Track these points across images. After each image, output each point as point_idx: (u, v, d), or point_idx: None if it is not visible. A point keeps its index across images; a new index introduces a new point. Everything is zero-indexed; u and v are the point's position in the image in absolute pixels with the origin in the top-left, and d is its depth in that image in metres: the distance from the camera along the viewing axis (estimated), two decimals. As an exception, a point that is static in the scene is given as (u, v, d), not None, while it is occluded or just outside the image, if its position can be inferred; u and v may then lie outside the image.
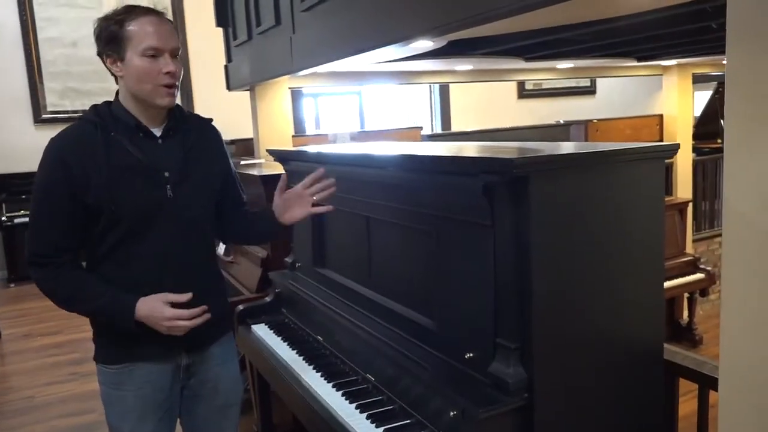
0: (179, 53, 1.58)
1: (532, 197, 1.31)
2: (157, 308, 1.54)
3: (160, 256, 1.59)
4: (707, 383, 1.67)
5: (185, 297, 1.55)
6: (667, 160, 4.32)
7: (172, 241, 1.60)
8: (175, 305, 1.55)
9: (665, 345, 1.64)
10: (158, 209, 1.58)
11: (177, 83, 1.58)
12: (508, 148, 1.74)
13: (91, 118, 1.58)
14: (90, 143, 1.54)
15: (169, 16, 7.66)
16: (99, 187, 1.52)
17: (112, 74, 1.59)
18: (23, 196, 6.14)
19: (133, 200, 1.55)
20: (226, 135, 1.86)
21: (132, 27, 1.51)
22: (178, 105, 1.71)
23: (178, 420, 1.78)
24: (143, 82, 1.54)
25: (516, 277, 1.37)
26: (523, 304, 1.37)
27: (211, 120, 1.80)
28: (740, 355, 1.04)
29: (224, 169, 1.77)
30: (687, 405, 1.88)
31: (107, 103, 1.62)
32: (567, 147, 1.61)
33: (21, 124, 6.68)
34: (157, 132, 1.62)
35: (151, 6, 1.62)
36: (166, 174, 1.59)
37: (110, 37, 1.53)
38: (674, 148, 1.54)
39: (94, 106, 1.62)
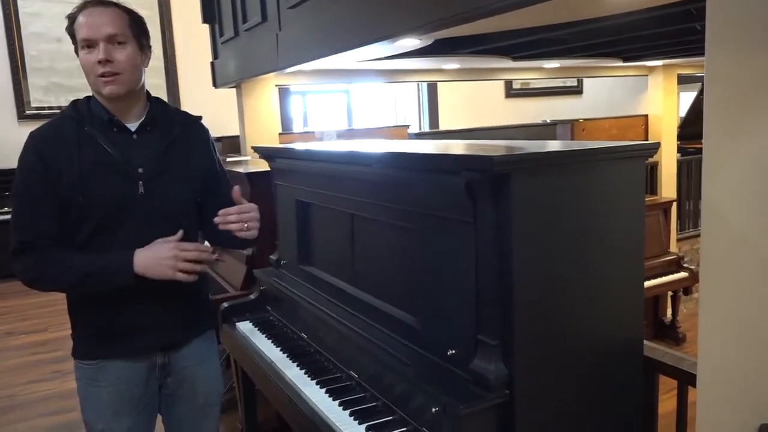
0: (121, 39, 1.54)
1: (513, 195, 1.32)
2: (158, 248, 1.54)
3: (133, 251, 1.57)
4: (686, 380, 1.69)
5: (178, 235, 1.58)
6: (651, 160, 4.32)
7: (146, 237, 1.58)
8: None
9: (645, 342, 1.66)
10: (129, 205, 1.57)
11: (117, 71, 1.54)
12: (492, 147, 1.75)
13: (69, 113, 1.60)
14: (65, 138, 1.55)
15: (156, 12, 7.54)
16: (70, 181, 1.53)
17: None
18: (6, 193, 6.07)
19: (103, 195, 1.55)
20: (213, 132, 1.86)
21: (76, 23, 1.55)
22: (159, 100, 1.71)
23: (160, 417, 1.78)
24: (86, 75, 1.57)
25: (497, 273, 1.38)
26: (504, 300, 1.38)
27: (199, 118, 1.79)
28: (718, 352, 1.06)
29: (207, 166, 1.76)
30: (669, 403, 1.90)
31: (88, 98, 1.63)
32: (549, 145, 1.61)
33: (4, 120, 6.61)
34: (132, 127, 1.62)
35: None
36: (140, 170, 1.58)
37: (69, 35, 1.58)
38: (654, 147, 1.56)
39: (74, 101, 1.63)
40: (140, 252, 1.54)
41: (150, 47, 1.67)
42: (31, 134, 1.58)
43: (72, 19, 1.55)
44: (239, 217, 1.61)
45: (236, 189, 1.63)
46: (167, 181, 1.62)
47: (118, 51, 1.54)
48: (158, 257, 1.53)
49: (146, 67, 1.65)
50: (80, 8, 1.55)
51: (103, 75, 1.53)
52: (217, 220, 1.60)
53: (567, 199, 1.42)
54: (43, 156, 1.54)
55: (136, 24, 1.60)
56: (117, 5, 1.58)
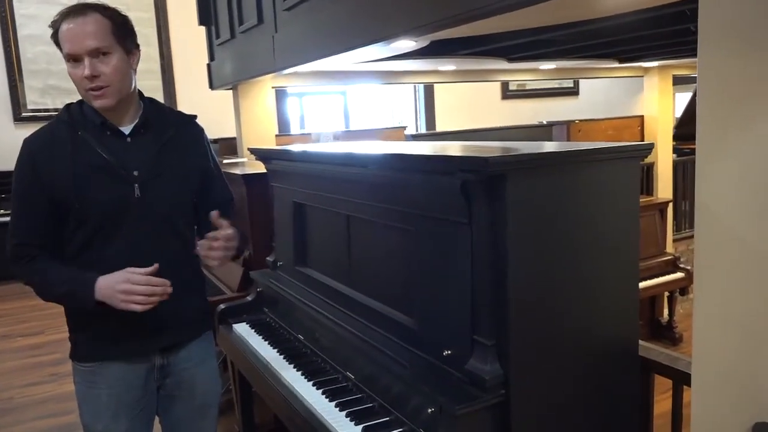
0: (105, 50, 1.51)
1: (508, 195, 1.32)
2: (117, 277, 1.49)
3: (130, 255, 1.57)
4: (681, 379, 1.70)
5: (150, 269, 1.50)
6: (647, 160, 4.30)
7: (143, 239, 1.59)
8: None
9: (640, 342, 1.66)
10: (125, 208, 1.57)
11: (104, 84, 1.52)
12: (487, 148, 1.76)
13: (62, 117, 1.60)
14: (59, 143, 1.55)
15: (152, 14, 7.46)
16: (65, 186, 1.52)
17: None
18: (3, 195, 6.05)
19: (99, 199, 1.55)
20: (210, 134, 1.85)
21: (59, 33, 1.52)
22: (153, 100, 1.71)
23: (157, 419, 1.78)
24: (76, 87, 1.55)
25: (492, 274, 1.38)
26: (499, 301, 1.38)
27: (194, 117, 1.79)
28: (712, 352, 1.06)
29: (202, 166, 1.76)
30: (665, 403, 1.90)
31: (80, 101, 1.62)
32: (544, 146, 1.62)
33: (0, 122, 6.58)
34: (126, 130, 1.61)
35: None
36: (135, 173, 1.58)
37: (56, 44, 1.55)
38: (649, 148, 1.56)
39: (68, 106, 1.63)
40: (102, 279, 1.50)
41: (138, 46, 1.62)
42: (25, 141, 1.58)
43: (55, 28, 1.52)
44: (225, 245, 1.59)
45: (214, 213, 1.60)
46: (163, 183, 1.62)
47: (103, 64, 1.51)
48: (113, 289, 1.49)
49: (136, 66, 1.62)
50: (62, 17, 1.52)
51: (91, 89, 1.52)
52: (203, 244, 1.58)
53: (562, 199, 1.42)
54: (37, 163, 1.54)
55: (119, 29, 1.55)
56: (97, 9, 1.53)
